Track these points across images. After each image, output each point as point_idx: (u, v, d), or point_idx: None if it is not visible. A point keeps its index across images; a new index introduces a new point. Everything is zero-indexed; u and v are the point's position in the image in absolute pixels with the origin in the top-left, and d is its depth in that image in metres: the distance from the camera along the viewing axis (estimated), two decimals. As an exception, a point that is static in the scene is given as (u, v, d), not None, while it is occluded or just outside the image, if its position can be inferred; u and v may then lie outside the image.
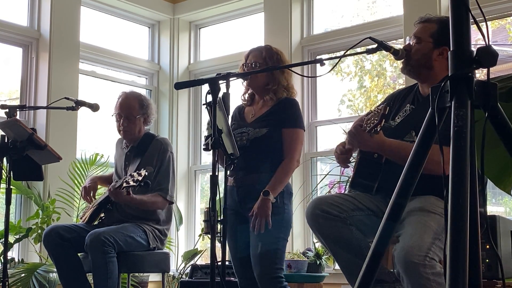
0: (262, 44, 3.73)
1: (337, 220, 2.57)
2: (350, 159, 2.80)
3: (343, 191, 4.36)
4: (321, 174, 5.39)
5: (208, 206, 3.26)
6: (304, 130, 3.46)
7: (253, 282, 3.33)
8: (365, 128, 2.50)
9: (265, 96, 3.43)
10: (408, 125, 2.66)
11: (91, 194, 4.02)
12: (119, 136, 4.13)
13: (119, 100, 4.02)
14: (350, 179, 2.73)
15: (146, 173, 3.50)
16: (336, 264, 4.52)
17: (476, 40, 3.39)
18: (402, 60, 2.71)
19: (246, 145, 3.35)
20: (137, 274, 5.09)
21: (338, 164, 2.86)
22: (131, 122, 3.97)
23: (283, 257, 3.31)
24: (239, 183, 3.38)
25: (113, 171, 4.24)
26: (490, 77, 1.42)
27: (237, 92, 3.47)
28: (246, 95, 3.55)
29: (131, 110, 3.98)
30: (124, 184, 3.54)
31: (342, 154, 2.73)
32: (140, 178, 3.48)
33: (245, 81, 3.43)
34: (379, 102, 2.95)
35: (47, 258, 4.77)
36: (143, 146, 4.00)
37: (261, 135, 3.34)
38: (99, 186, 4.18)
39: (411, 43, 2.71)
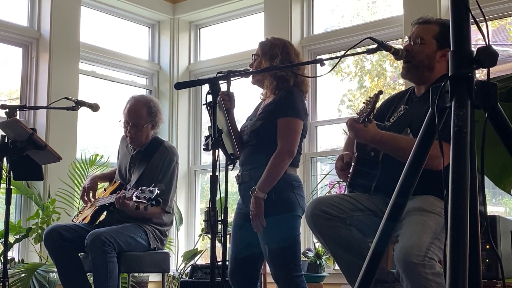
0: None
1: (337, 220, 2.57)
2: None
3: (343, 191, 4.35)
4: (321, 174, 5.39)
5: (208, 206, 3.24)
6: (302, 120, 3.22)
7: (240, 283, 3.26)
8: (359, 119, 2.51)
9: (268, 90, 3.34)
10: (402, 123, 2.66)
11: (90, 195, 4.01)
12: (123, 133, 4.07)
13: (127, 106, 3.96)
14: (348, 179, 2.73)
15: (158, 191, 3.46)
16: (336, 264, 4.53)
17: (476, 40, 3.38)
18: (403, 63, 2.70)
19: (246, 139, 3.30)
20: (137, 274, 5.09)
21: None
22: (138, 130, 3.92)
23: (294, 254, 3.16)
24: (240, 179, 3.32)
25: (115, 168, 4.23)
26: (490, 77, 1.42)
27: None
28: (264, 91, 3.41)
29: (139, 119, 3.92)
30: (134, 199, 3.50)
31: (342, 170, 2.75)
32: (152, 196, 3.44)
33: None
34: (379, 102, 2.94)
35: (47, 258, 4.77)
36: (150, 152, 3.97)
37: (255, 128, 3.25)
38: (101, 184, 4.17)
39: (411, 43, 2.69)
